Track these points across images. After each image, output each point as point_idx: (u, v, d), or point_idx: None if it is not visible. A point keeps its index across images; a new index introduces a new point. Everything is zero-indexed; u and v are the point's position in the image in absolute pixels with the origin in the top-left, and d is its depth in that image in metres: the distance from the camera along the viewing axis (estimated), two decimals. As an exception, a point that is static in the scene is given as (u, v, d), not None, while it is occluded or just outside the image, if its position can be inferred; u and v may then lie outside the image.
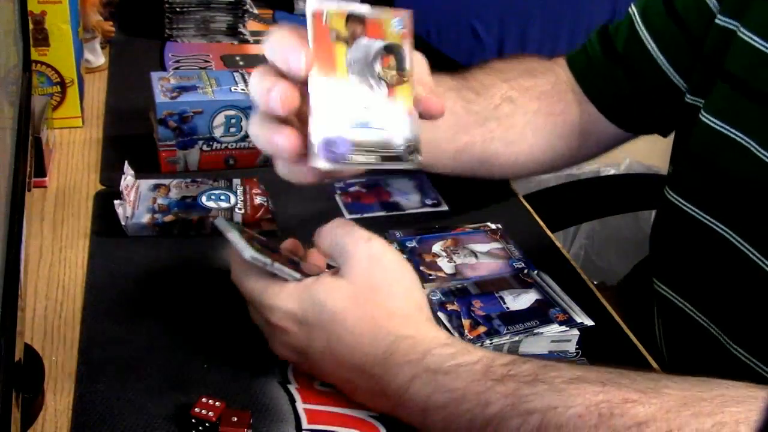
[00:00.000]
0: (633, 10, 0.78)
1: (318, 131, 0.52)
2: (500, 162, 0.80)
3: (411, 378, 0.52)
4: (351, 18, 0.54)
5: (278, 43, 0.53)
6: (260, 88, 0.53)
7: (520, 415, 0.48)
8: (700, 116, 0.71)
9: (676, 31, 0.74)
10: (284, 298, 0.55)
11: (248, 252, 0.55)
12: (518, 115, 0.79)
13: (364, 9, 0.54)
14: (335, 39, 0.53)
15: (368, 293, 0.55)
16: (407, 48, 0.55)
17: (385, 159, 0.54)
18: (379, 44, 0.54)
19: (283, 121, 0.54)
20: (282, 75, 0.53)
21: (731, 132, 0.68)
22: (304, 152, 0.53)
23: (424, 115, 0.57)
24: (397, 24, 0.55)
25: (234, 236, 0.57)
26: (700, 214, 0.71)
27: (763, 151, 0.65)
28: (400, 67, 0.55)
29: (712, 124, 0.69)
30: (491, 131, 0.78)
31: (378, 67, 0.54)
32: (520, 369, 0.51)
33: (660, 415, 0.45)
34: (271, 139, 0.54)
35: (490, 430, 0.49)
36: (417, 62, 0.59)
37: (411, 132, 0.55)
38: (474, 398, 0.50)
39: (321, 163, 0.52)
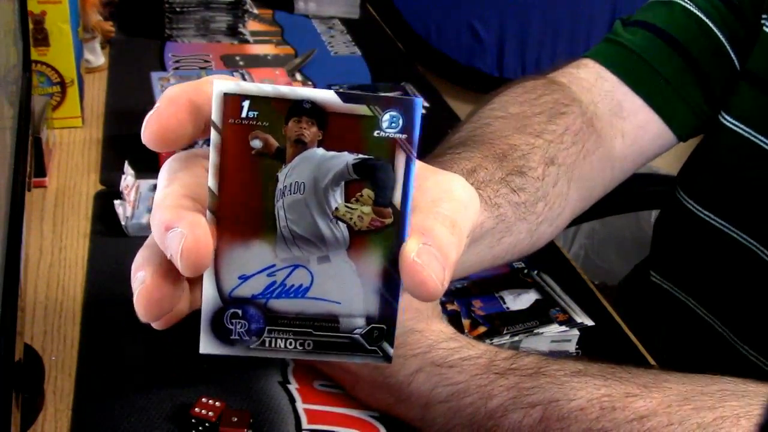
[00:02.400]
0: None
1: (211, 298, 0.34)
2: (544, 241, 0.67)
3: (415, 371, 0.52)
4: (297, 111, 0.33)
5: (158, 203, 0.36)
6: (162, 213, 0.36)
7: (522, 408, 0.48)
8: (721, 119, 0.70)
9: (730, 14, 0.70)
10: None
11: None
12: (562, 182, 0.66)
13: (323, 95, 0.33)
14: (258, 152, 0.33)
15: None
16: (401, 166, 0.34)
17: (324, 349, 0.35)
18: (343, 160, 0.33)
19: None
20: None
21: (752, 135, 0.67)
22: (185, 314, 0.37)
23: (409, 289, 0.35)
24: (389, 122, 0.33)
25: None
26: (712, 217, 0.71)
27: None
28: (380, 201, 0.34)
29: (734, 127, 0.69)
30: (538, 215, 0.63)
31: (336, 200, 0.34)
32: (522, 362, 0.51)
33: (661, 409, 0.45)
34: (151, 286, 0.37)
35: (491, 423, 0.49)
36: (440, 193, 0.39)
37: (381, 308, 0.35)
38: (476, 392, 0.50)
39: (209, 347, 0.35)
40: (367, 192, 0.34)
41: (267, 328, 0.35)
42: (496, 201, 0.58)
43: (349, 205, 0.34)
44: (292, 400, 0.57)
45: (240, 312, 0.34)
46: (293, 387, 0.58)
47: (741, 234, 0.69)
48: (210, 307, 0.34)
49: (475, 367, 0.51)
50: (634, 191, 1.08)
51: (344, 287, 0.34)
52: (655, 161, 0.81)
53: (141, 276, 0.37)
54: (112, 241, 0.73)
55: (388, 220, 0.34)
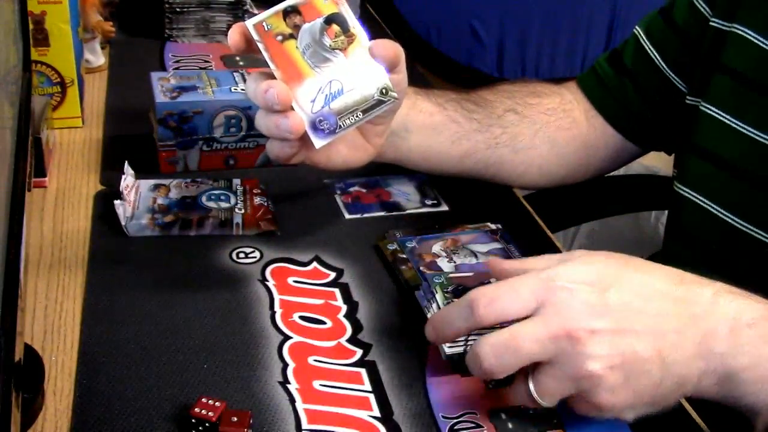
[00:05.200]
0: (638, 29, 0.83)
1: (305, 120, 0.60)
2: (508, 169, 0.82)
3: (714, 294, 0.52)
4: (286, 14, 0.61)
5: (253, 90, 0.61)
6: (258, 90, 0.60)
7: None
8: (701, 108, 0.74)
9: (676, 40, 0.79)
10: (571, 264, 0.52)
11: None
12: (524, 126, 0.82)
13: (290, 1, 0.61)
14: (282, 40, 0.60)
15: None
16: (344, 9, 0.62)
17: (367, 111, 0.61)
18: (318, 22, 0.61)
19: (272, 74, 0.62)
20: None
21: (731, 120, 0.71)
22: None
23: (382, 58, 0.63)
24: None
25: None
26: (707, 203, 0.73)
27: (764, 136, 0.68)
28: (344, 30, 0.61)
29: (713, 113, 0.73)
30: (495, 137, 0.80)
31: (327, 41, 0.61)
32: None
33: None
34: (277, 122, 0.61)
35: None
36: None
37: (378, 76, 0.62)
38: None
39: (319, 142, 0.61)
40: (336, 28, 0.61)
41: (337, 118, 0.61)
42: (444, 105, 0.78)
43: (333, 40, 0.61)
44: (292, 400, 0.57)
45: (321, 118, 0.60)
46: (293, 387, 0.58)
47: (733, 217, 0.71)
48: (307, 123, 0.60)
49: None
50: (634, 191, 1.08)
51: (357, 78, 0.61)
52: (655, 163, 0.81)
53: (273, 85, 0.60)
54: (112, 241, 0.73)
55: (354, 36, 0.62)
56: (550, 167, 0.84)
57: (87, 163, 0.87)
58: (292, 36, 0.60)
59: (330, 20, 0.61)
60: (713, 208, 0.73)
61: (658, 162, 0.84)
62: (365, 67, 0.61)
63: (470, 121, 0.79)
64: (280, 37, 0.60)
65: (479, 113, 0.80)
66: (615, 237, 1.71)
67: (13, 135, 0.60)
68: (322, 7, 0.62)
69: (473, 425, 0.56)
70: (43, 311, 0.65)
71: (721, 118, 0.72)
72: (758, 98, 0.69)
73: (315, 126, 0.60)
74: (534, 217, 0.84)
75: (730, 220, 0.71)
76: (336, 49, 0.61)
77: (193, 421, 0.53)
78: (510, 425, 0.56)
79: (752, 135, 0.69)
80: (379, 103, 0.62)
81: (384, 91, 0.62)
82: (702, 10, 0.76)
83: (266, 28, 0.60)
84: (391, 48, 0.63)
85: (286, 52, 0.60)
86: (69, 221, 0.77)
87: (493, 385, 0.60)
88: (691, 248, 0.77)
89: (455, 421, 0.57)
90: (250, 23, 0.60)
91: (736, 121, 0.70)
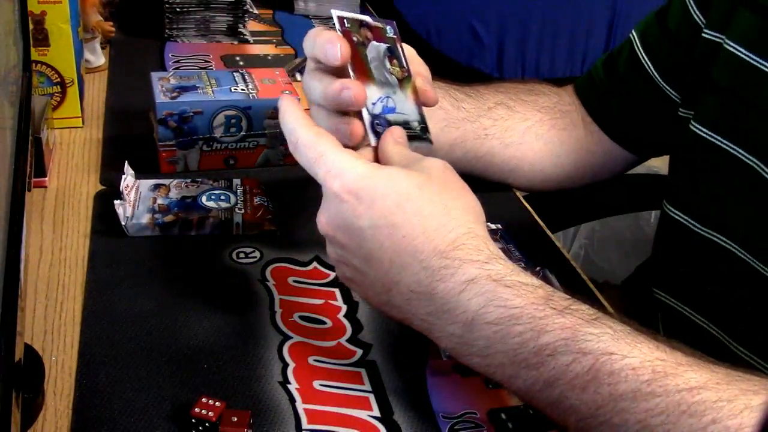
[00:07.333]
0: (633, 34, 0.81)
1: (367, 114, 0.60)
2: (499, 162, 0.81)
3: (469, 280, 0.49)
4: (361, 25, 0.62)
5: (315, 38, 0.59)
6: (329, 89, 0.58)
7: (574, 352, 0.46)
8: (690, 126, 0.72)
9: (669, 48, 0.77)
10: (354, 167, 0.53)
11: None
12: (516, 120, 0.81)
13: (368, 18, 0.64)
14: (357, 42, 0.60)
15: (443, 186, 0.53)
16: (401, 50, 0.64)
17: (410, 138, 0.61)
18: (383, 46, 0.63)
19: (334, 72, 0.59)
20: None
21: (719, 140, 0.69)
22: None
23: (423, 104, 0.63)
24: (390, 30, 0.64)
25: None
26: (697, 226, 0.72)
27: (751, 157, 0.66)
28: (400, 65, 0.63)
29: (701, 133, 0.71)
30: (485, 128, 0.79)
31: (388, 65, 0.62)
32: (581, 307, 0.49)
33: (711, 384, 0.44)
34: (338, 125, 0.59)
35: (536, 360, 0.47)
36: (414, 57, 0.66)
37: (421, 116, 0.63)
38: (530, 322, 0.47)
39: (375, 141, 0.60)
40: (395, 61, 0.63)
41: (389, 126, 0.60)
42: (440, 104, 0.75)
43: (392, 67, 0.62)
44: (292, 400, 0.57)
45: (378, 121, 0.60)
46: (293, 387, 0.58)
47: (724, 239, 0.70)
48: (367, 122, 0.59)
49: (533, 295, 0.49)
50: (634, 191, 1.08)
51: (404, 106, 0.62)
52: (655, 162, 0.81)
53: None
54: (112, 241, 0.73)
55: (407, 73, 0.63)
56: (544, 165, 0.83)
57: (87, 163, 0.87)
58: (362, 44, 0.61)
59: (392, 51, 0.63)
60: (702, 229, 0.72)
61: (658, 162, 0.83)
62: (412, 102, 0.62)
63: (458, 110, 0.78)
64: (355, 38, 0.60)
65: (468, 103, 0.79)
66: (615, 237, 1.71)
67: (13, 135, 0.60)
68: (386, 37, 0.63)
69: (473, 425, 0.56)
70: (43, 311, 0.65)
71: (709, 138, 0.70)
72: (744, 116, 0.67)
73: (372, 126, 0.59)
74: (534, 217, 0.84)
75: (716, 239, 0.70)
76: (393, 75, 0.62)
77: (193, 421, 0.53)
78: (510, 425, 0.56)
79: (736, 153, 0.67)
80: (418, 138, 0.62)
81: (425, 129, 0.62)
82: (696, 18, 0.73)
83: (346, 25, 0.61)
84: (433, 97, 0.63)
85: (358, 55, 0.60)
86: (69, 221, 0.77)
87: (493, 385, 0.60)
88: (679, 267, 0.77)
89: (455, 421, 0.57)
90: (335, 12, 0.61)
91: (722, 139, 0.68)
